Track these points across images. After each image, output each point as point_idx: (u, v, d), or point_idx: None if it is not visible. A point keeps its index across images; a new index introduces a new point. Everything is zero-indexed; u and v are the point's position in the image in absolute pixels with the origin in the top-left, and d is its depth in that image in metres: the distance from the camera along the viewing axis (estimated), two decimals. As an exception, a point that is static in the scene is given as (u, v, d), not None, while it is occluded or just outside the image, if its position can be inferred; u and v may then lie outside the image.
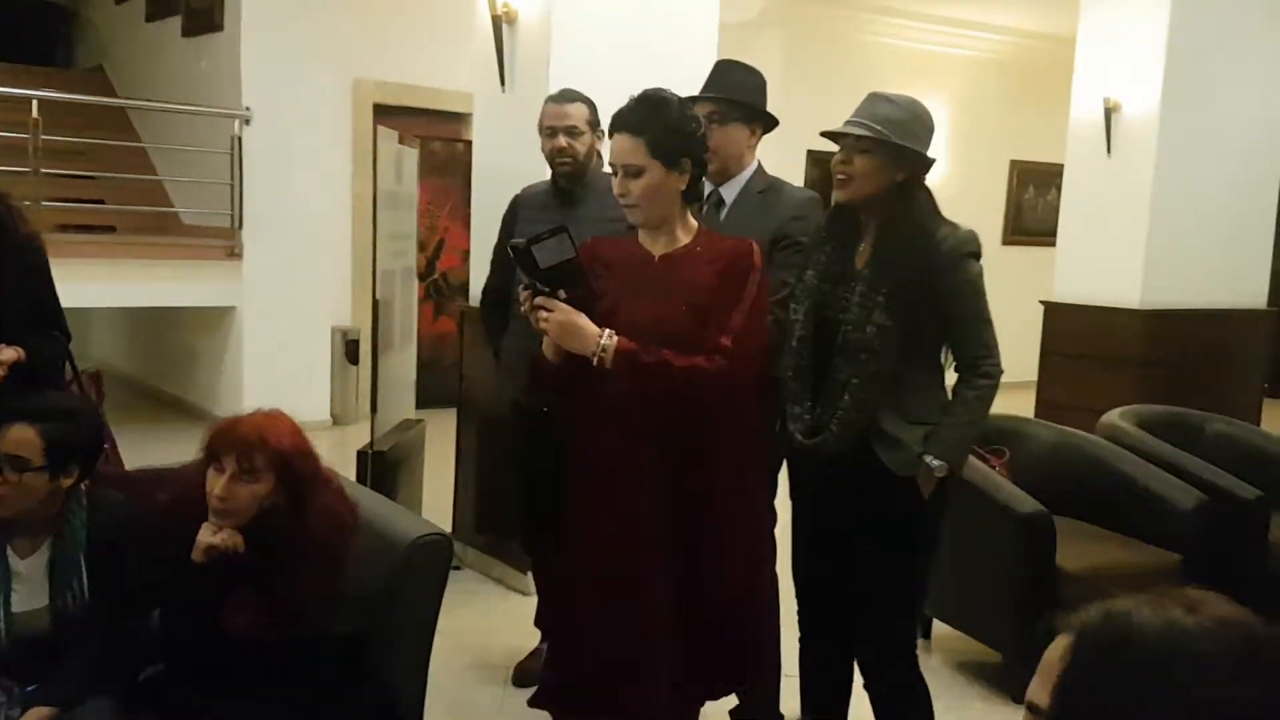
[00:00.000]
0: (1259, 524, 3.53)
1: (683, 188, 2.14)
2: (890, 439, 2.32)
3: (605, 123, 3.11)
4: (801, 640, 2.63)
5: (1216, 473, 3.57)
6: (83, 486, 2.18)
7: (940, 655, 3.61)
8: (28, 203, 5.25)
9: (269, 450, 2.02)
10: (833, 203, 2.41)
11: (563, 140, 3.08)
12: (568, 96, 3.14)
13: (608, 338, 2.05)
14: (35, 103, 5.78)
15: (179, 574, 2.02)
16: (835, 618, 2.55)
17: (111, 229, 6.71)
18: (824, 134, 2.40)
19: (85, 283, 5.94)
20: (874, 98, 2.35)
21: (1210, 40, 4.93)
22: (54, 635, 2.09)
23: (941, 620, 3.61)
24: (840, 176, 2.33)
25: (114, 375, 7.70)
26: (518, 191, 3.33)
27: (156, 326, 7.31)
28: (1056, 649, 0.85)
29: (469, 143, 4.74)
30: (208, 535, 2.00)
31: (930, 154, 2.35)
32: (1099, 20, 5.06)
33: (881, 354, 2.28)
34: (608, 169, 3.16)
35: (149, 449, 3.15)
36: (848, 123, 2.32)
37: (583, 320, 2.07)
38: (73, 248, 5.95)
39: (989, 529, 3.26)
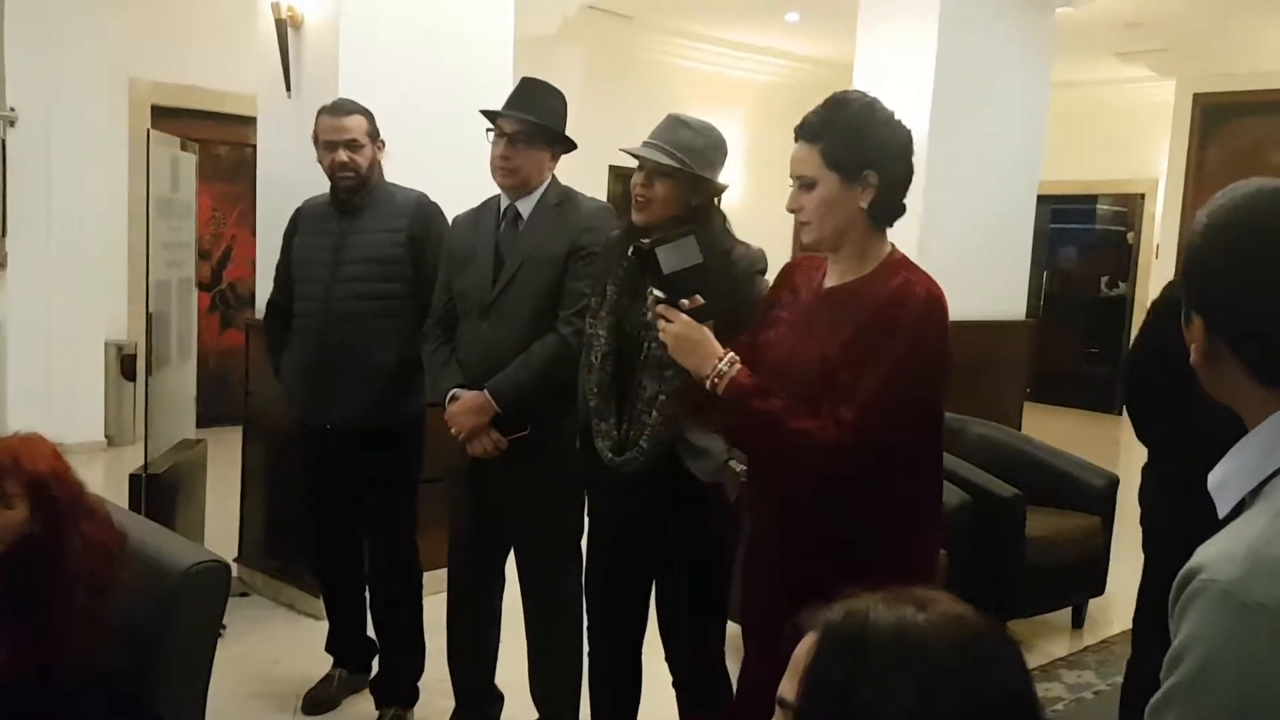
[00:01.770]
0: (1017, 521, 3.82)
1: (865, 205, 1.87)
2: (696, 448, 2.32)
3: (385, 133, 3.10)
4: (591, 648, 2.65)
5: (977, 473, 3.83)
6: None
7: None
8: None
9: (23, 475, 1.90)
10: (630, 222, 2.43)
11: (344, 155, 3.01)
12: (344, 108, 3.07)
13: (728, 364, 1.86)
14: None
15: None
16: (629, 627, 2.58)
17: None
18: (625, 151, 2.43)
19: None
20: (674, 122, 2.38)
21: (974, 67, 5.31)
22: None
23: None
24: (640, 199, 2.37)
25: None
26: (302, 201, 3.23)
27: (-97, 341, 6.65)
28: (804, 645, 0.90)
29: (256, 147, 4.55)
30: None
31: (722, 178, 2.42)
32: (873, 48, 5.36)
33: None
34: (391, 180, 3.13)
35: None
36: (649, 145, 2.35)
37: (703, 336, 1.89)
38: None
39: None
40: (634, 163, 2.40)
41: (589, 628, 2.64)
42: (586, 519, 2.64)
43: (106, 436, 6.43)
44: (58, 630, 1.90)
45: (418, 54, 4.03)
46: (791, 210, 1.92)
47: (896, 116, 1.91)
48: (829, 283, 1.95)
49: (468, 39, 4.19)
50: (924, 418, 1.90)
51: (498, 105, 2.75)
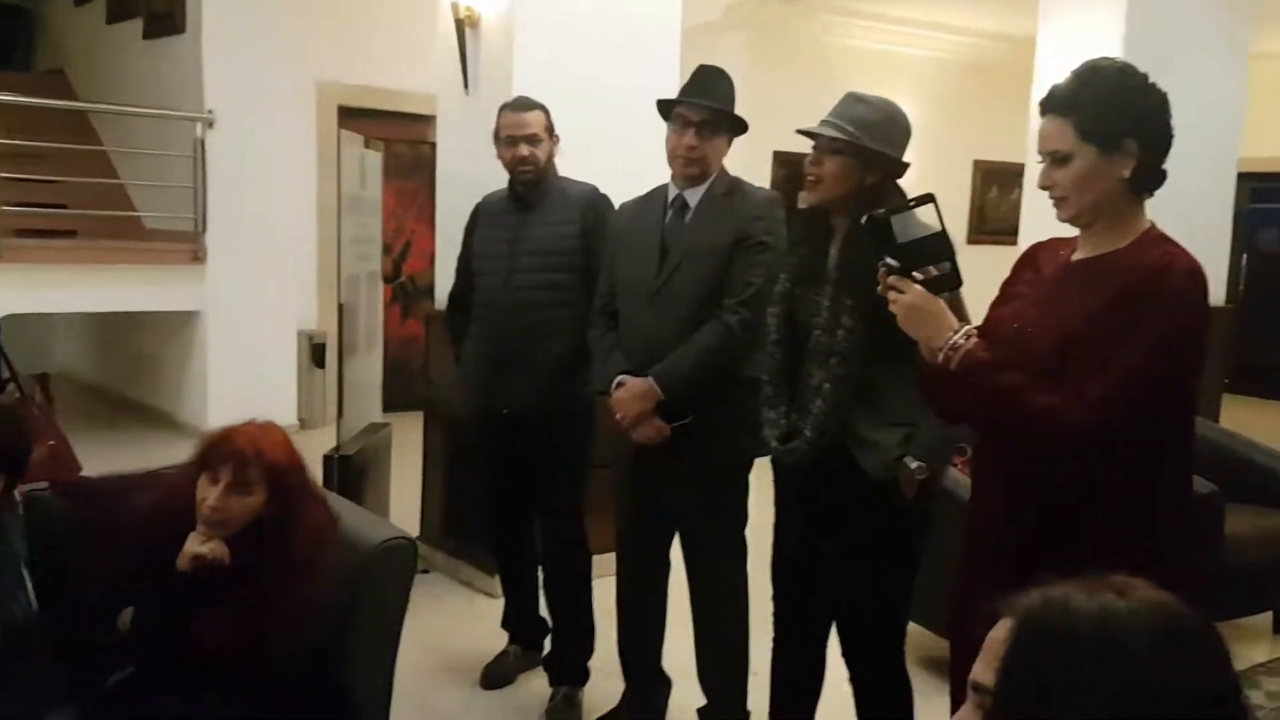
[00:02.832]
0: (1215, 518, 3.59)
1: (1126, 174, 1.77)
2: (867, 442, 2.28)
3: (559, 128, 3.17)
4: (776, 641, 2.62)
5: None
6: (17, 496, 2.14)
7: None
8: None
9: (264, 463, 2.03)
10: (799, 203, 2.42)
11: (524, 150, 3.10)
12: (524, 105, 3.16)
13: (964, 336, 1.79)
14: (-7, 107, 5.71)
15: (155, 579, 2.01)
16: (811, 622, 2.53)
17: (73, 233, 6.64)
18: (799, 131, 2.39)
19: (46, 288, 5.88)
20: (850, 99, 2.34)
21: (1165, 38, 5.01)
22: (3, 651, 2.05)
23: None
24: (811, 178, 2.33)
25: (76, 381, 7.64)
26: (481, 195, 3.35)
27: (119, 331, 7.23)
28: (1000, 631, 0.89)
29: (434, 145, 4.73)
30: (195, 545, 2.01)
31: (904, 157, 2.34)
32: (1058, 22, 5.12)
33: (850, 357, 2.25)
34: (564, 175, 3.20)
35: (112, 454, 3.13)
36: (822, 123, 2.31)
37: (936, 307, 1.81)
38: (34, 253, 5.88)
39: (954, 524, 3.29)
40: (803, 148, 2.38)
41: (774, 617, 2.61)
42: (773, 509, 2.62)
43: (299, 420, 6.81)
44: (277, 609, 2.01)
45: (588, 48, 4.10)
46: (1044, 187, 1.83)
47: (1150, 80, 1.81)
48: (1079, 256, 1.86)
49: (636, 30, 4.22)
50: (1180, 397, 1.78)
51: (667, 96, 2.76)
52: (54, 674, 2.02)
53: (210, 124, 6.24)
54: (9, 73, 7.99)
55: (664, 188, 2.82)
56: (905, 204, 1.88)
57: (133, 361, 7.28)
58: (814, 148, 2.33)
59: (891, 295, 1.84)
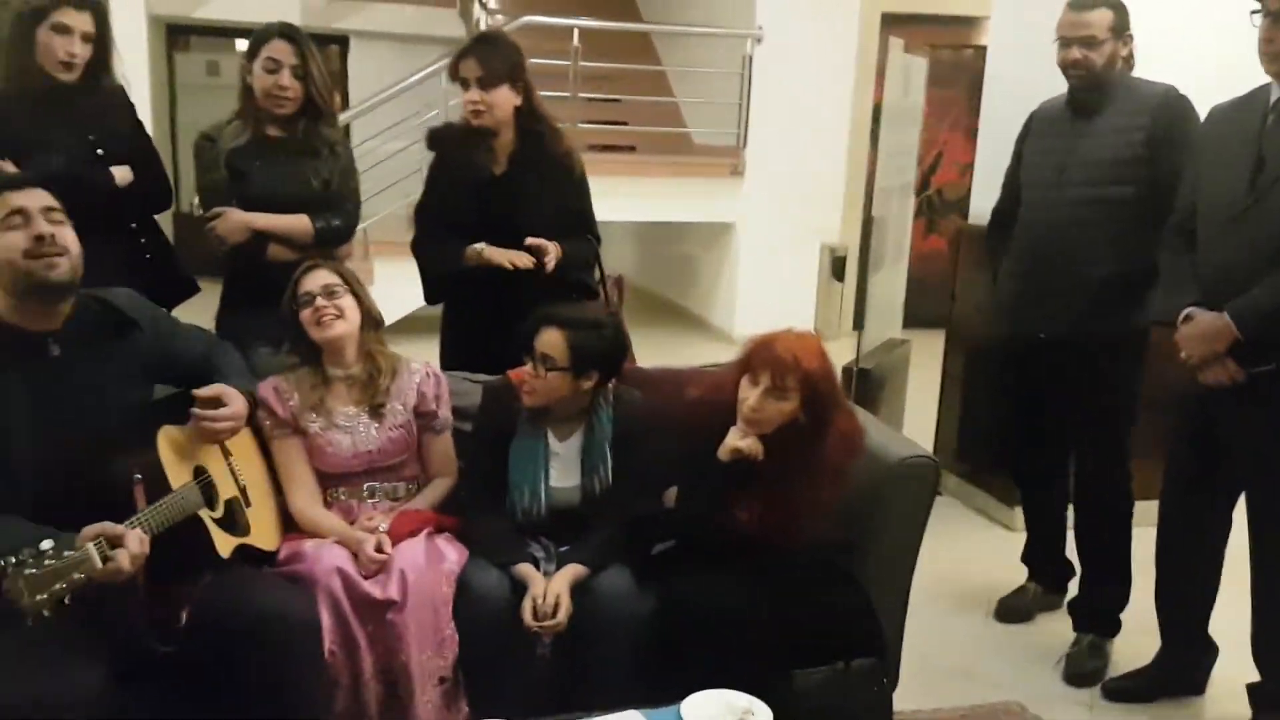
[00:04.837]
0: None
1: None
2: None
3: (1138, 22, 2.82)
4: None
5: None
6: (609, 386, 2.42)
7: None
8: (566, 125, 5.86)
9: (800, 372, 2.16)
10: None
11: (1076, 52, 2.82)
12: (1087, 4, 2.84)
13: None
14: (576, 31, 6.37)
15: (699, 463, 2.20)
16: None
17: (632, 149, 7.31)
18: None
19: (609, 199, 6.51)
20: None
21: None
22: (582, 509, 2.37)
23: None
24: None
25: (624, 283, 8.49)
26: (1032, 103, 3.11)
27: (663, 239, 7.90)
28: None
29: (978, 49, 4.49)
30: (735, 439, 2.18)
31: None
32: None
33: None
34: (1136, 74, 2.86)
35: (653, 350, 3.43)
36: None
37: None
38: (601, 166, 6.55)
39: None
40: None
41: None
42: None
43: (815, 331, 7.00)
44: (803, 505, 2.18)
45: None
46: None
47: None
48: None
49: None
50: None
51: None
52: (620, 536, 2.28)
53: (759, 40, 6.49)
54: None
55: (1265, 88, 2.42)
56: None
57: (672, 268, 7.94)
58: None
59: None
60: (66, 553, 1.61)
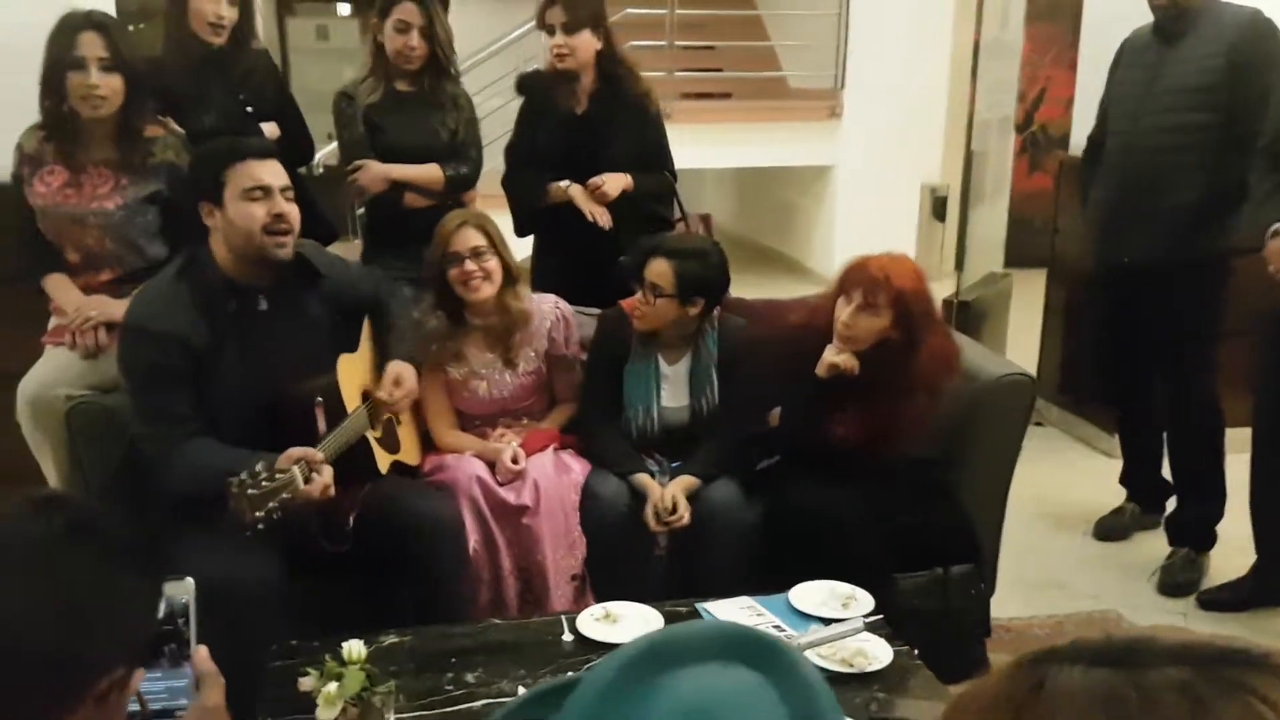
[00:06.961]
0: None
1: None
2: None
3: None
4: None
5: None
6: (715, 314, 2.58)
7: None
8: (662, 73, 5.98)
9: (892, 289, 2.28)
10: None
11: None
12: None
13: None
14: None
15: (799, 384, 2.36)
16: None
17: (728, 95, 7.38)
18: None
19: (705, 146, 6.64)
20: None
21: None
22: (692, 428, 2.55)
23: None
24: None
25: (720, 229, 8.58)
26: (1128, 32, 3.14)
27: (760, 185, 7.96)
28: None
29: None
30: (831, 355, 2.33)
31: None
32: None
33: None
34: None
35: (752, 295, 3.53)
36: None
37: None
38: (696, 114, 6.66)
39: None
40: None
41: None
42: None
43: (917, 269, 7.01)
44: (900, 418, 2.30)
45: None
46: None
47: None
48: None
49: None
50: None
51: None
52: (726, 451, 2.46)
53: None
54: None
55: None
56: None
57: (769, 212, 8.00)
58: None
59: None
60: (278, 475, 1.86)
